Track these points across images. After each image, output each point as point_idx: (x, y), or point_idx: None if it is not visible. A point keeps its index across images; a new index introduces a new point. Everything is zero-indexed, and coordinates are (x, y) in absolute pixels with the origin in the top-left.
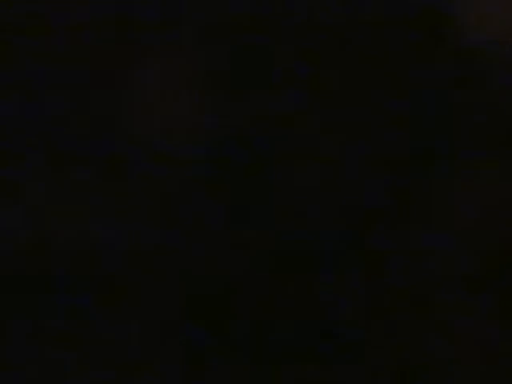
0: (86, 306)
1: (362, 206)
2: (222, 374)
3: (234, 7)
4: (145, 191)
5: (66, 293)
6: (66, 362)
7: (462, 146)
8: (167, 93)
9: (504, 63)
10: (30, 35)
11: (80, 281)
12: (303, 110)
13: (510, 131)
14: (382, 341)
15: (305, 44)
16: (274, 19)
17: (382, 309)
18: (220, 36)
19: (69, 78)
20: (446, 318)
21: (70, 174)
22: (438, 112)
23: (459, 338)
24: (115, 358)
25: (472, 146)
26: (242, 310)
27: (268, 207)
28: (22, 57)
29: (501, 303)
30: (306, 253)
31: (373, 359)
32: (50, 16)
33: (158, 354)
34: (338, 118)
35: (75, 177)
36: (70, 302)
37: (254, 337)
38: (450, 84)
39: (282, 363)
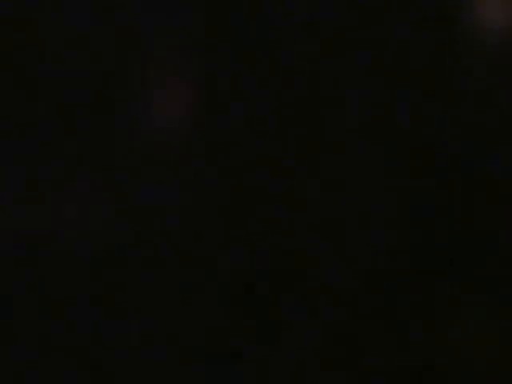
0: (85, 306)
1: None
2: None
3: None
4: (144, 193)
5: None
6: (66, 361)
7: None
8: (167, 93)
9: (504, 62)
10: (27, 35)
11: (79, 281)
12: (303, 110)
13: (510, 131)
14: None
15: (306, 43)
16: (274, 19)
17: None
18: (219, 37)
19: (69, 78)
20: None
21: (68, 173)
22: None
23: None
24: (114, 357)
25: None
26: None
27: (270, 210)
28: (21, 57)
29: None
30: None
31: None
32: (50, 16)
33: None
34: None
35: (74, 176)
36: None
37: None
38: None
39: None
